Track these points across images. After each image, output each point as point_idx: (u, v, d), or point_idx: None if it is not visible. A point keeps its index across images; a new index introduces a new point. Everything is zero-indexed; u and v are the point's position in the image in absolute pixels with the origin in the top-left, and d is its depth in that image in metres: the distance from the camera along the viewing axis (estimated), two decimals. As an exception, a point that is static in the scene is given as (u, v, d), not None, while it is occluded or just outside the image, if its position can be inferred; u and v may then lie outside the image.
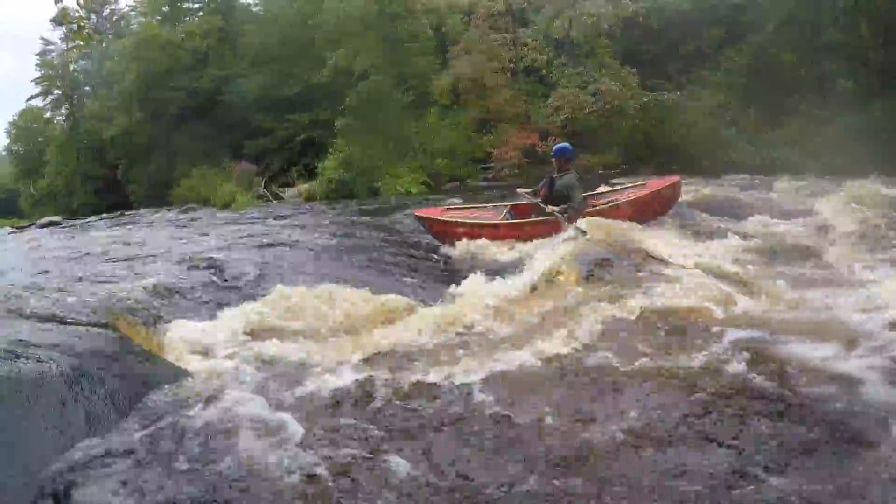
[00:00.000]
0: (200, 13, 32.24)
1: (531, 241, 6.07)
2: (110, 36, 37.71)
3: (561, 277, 4.15)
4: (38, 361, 2.40)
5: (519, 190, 6.95)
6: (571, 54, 21.05)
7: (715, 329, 3.03)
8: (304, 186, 20.58)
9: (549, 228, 6.11)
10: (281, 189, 21.71)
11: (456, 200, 10.67)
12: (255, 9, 30.84)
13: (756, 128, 19.14)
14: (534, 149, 18.96)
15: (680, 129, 19.09)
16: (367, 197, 17.48)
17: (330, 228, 8.40)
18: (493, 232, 6.45)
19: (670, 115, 19.51)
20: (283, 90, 23.89)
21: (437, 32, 22.07)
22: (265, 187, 21.73)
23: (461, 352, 3.11)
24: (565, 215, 6.07)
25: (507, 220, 6.77)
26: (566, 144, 7.02)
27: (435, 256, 6.41)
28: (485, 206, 7.69)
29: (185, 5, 32.85)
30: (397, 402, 2.50)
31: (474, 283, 4.63)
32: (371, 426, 2.33)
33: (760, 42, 20.17)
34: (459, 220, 6.87)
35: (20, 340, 2.64)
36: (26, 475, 1.92)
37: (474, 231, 6.53)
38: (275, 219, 11.91)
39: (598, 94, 18.94)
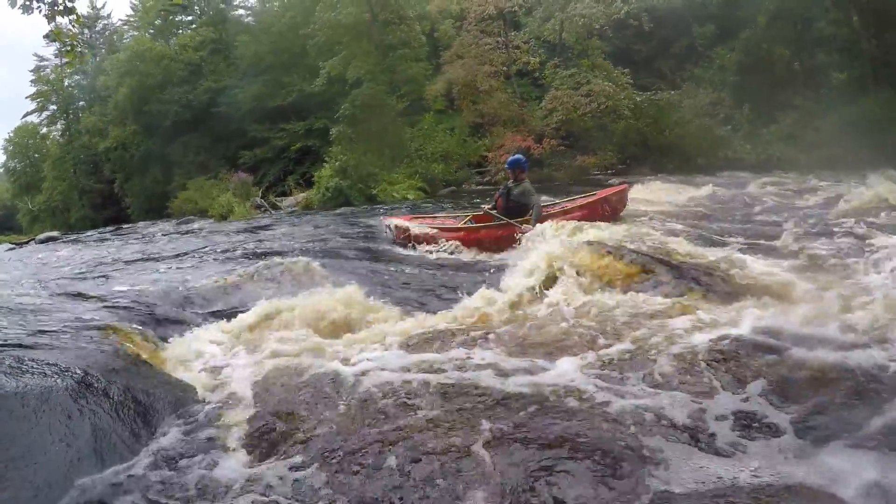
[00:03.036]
0: (193, 26, 32.35)
1: (489, 244, 6.60)
2: (103, 50, 37.81)
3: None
4: (43, 375, 2.42)
5: (483, 207, 7.32)
6: (564, 56, 21.11)
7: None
8: (301, 195, 20.57)
9: (506, 231, 6.57)
10: (278, 199, 21.71)
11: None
12: (247, 20, 30.96)
13: (750, 124, 19.17)
14: (529, 151, 18.97)
15: (674, 128, 19.12)
16: (364, 204, 17.48)
17: (323, 237, 8.44)
18: (453, 235, 6.89)
19: (664, 115, 19.55)
20: (278, 100, 23.99)
21: (429, 38, 22.15)
22: (262, 197, 21.73)
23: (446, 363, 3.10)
24: (532, 225, 6.44)
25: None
26: (520, 156, 7.45)
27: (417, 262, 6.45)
28: (448, 216, 8.24)
29: (178, 18, 32.95)
30: (395, 410, 2.50)
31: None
32: (372, 433, 2.32)
33: (752, 37, 20.21)
34: (422, 225, 7.32)
35: (26, 355, 2.66)
36: (34, 489, 1.93)
37: (435, 235, 6.96)
38: (271, 229, 11.94)
39: (592, 94, 18.97)
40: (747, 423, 2.21)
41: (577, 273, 4.14)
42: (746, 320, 3.03)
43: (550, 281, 4.18)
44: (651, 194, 10.79)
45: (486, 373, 2.75)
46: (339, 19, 20.82)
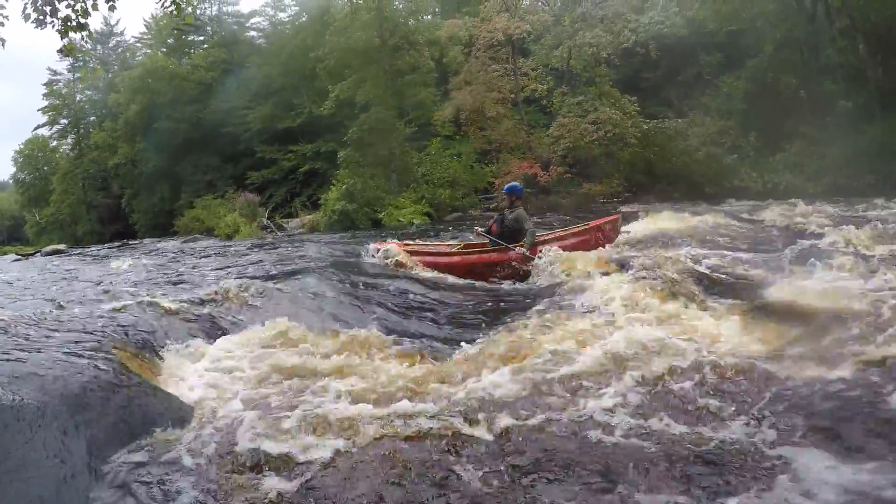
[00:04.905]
0: (205, 46, 32.76)
1: (483, 269, 6.63)
2: (116, 67, 38.33)
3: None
4: (40, 390, 2.39)
5: (476, 229, 7.35)
6: (571, 84, 21.24)
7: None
8: (307, 217, 20.67)
9: (499, 257, 6.64)
10: (284, 220, 21.81)
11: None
12: (259, 41, 31.34)
13: (757, 152, 19.17)
14: (536, 178, 19.03)
15: (681, 156, 19.14)
16: (370, 228, 17.54)
17: (328, 260, 8.43)
18: (447, 260, 6.96)
19: (671, 143, 19.59)
20: (287, 121, 24.20)
21: (438, 64, 22.34)
22: (268, 218, 21.83)
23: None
24: (525, 248, 6.55)
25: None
26: (516, 183, 7.64)
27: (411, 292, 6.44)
28: (439, 244, 8.34)
29: (190, 38, 33.38)
30: (393, 435, 2.49)
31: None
32: (369, 458, 2.31)
33: (759, 65, 20.30)
34: (415, 250, 7.37)
35: (23, 368, 2.63)
36: (27, 504, 1.90)
37: (427, 261, 7.00)
38: (277, 250, 11.98)
39: (599, 122, 19.05)
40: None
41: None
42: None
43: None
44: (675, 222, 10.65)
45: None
46: (349, 43, 21.07)
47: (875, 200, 11.89)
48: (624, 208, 14.45)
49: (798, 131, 18.29)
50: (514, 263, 6.50)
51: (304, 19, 28.27)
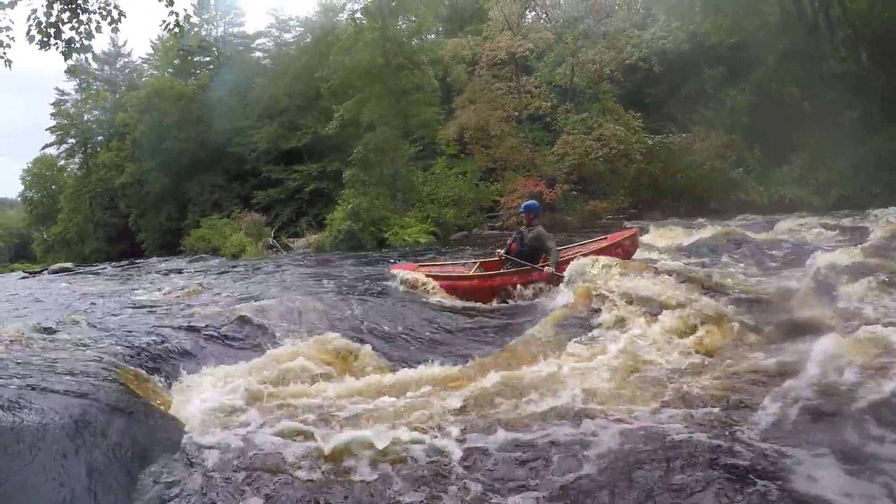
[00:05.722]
0: (211, 66, 33.10)
1: (506, 291, 6.49)
2: (123, 87, 38.74)
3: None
4: (40, 412, 2.39)
5: (498, 251, 7.21)
6: (575, 100, 21.30)
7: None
8: (313, 237, 20.71)
9: (523, 277, 6.48)
10: (290, 239, 21.85)
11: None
12: (264, 62, 31.62)
13: (762, 165, 19.11)
14: (541, 196, 19.00)
15: (686, 171, 19.12)
16: (376, 248, 17.56)
17: (335, 281, 8.42)
18: (468, 283, 6.81)
19: (675, 158, 19.57)
20: (292, 141, 24.34)
21: (441, 83, 22.45)
22: (274, 237, 21.89)
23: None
24: (550, 266, 6.40)
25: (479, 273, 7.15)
26: (534, 201, 7.55)
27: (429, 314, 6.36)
28: (455, 263, 8.20)
29: (196, 59, 33.73)
30: (400, 465, 2.46)
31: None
32: (379, 483, 2.31)
33: (762, 78, 20.29)
34: (434, 273, 7.15)
35: (24, 389, 2.62)
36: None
37: (447, 284, 6.86)
38: (283, 269, 11.98)
39: (604, 138, 19.07)
40: None
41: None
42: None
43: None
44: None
45: None
46: (353, 63, 21.22)
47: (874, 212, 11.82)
48: (629, 224, 14.42)
49: (803, 143, 18.21)
50: (540, 284, 6.33)
51: (308, 40, 28.57)
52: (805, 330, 3.87)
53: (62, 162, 43.41)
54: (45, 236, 42.85)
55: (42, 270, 23.15)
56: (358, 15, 22.07)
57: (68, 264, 24.78)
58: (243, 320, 5.02)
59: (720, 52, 23.69)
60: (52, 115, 41.69)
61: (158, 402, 3.15)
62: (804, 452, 2.29)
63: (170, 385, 3.53)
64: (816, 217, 12.71)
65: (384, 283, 7.65)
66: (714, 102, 23.20)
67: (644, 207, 19.24)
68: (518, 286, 6.48)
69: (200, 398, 3.32)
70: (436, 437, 2.73)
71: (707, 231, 10.57)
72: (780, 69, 19.95)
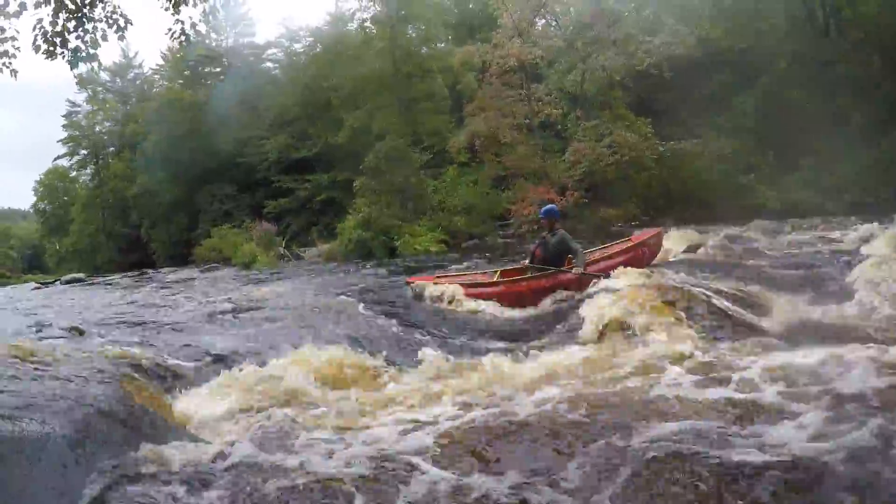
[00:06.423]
0: (222, 77, 33.38)
1: (533, 297, 6.36)
2: (134, 98, 39.15)
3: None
4: (42, 422, 2.37)
5: (522, 262, 7.14)
6: (586, 107, 21.25)
7: None
8: (324, 247, 20.72)
9: (551, 280, 6.39)
10: (301, 249, 21.88)
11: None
12: (274, 72, 31.85)
13: (773, 170, 18.99)
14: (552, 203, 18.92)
15: (697, 178, 19.01)
16: (387, 257, 17.53)
17: (346, 290, 8.37)
18: (494, 290, 6.66)
19: (686, 164, 19.46)
20: (303, 151, 24.44)
21: (452, 91, 22.48)
22: (286, 247, 21.93)
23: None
24: (578, 268, 6.29)
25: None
26: (553, 206, 7.49)
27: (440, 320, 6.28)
28: (475, 272, 8.05)
29: (207, 70, 34.03)
30: (405, 473, 2.43)
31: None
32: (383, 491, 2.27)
33: (771, 82, 20.22)
34: (459, 282, 7.01)
35: (28, 398, 2.61)
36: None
37: (473, 292, 6.70)
38: (294, 279, 11.97)
39: (615, 146, 18.99)
40: None
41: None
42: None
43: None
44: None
45: None
46: (363, 72, 21.33)
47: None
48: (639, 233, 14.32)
49: (813, 147, 18.14)
50: (569, 287, 6.22)
51: (318, 49, 28.76)
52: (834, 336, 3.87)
53: (74, 173, 43.90)
54: (57, 247, 43.24)
55: (54, 281, 23.31)
56: (367, 24, 22.20)
57: (80, 275, 24.95)
58: (248, 330, 5.01)
59: (729, 57, 23.61)
60: (63, 126, 42.18)
61: (164, 411, 3.15)
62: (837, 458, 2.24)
63: (175, 392, 3.53)
64: (829, 220, 12.67)
65: (398, 290, 7.61)
66: (724, 108, 23.13)
67: (655, 214, 19.11)
68: (547, 289, 6.38)
69: (208, 408, 3.31)
70: (438, 436, 2.73)
71: (720, 236, 10.50)
72: (789, 73, 19.88)
